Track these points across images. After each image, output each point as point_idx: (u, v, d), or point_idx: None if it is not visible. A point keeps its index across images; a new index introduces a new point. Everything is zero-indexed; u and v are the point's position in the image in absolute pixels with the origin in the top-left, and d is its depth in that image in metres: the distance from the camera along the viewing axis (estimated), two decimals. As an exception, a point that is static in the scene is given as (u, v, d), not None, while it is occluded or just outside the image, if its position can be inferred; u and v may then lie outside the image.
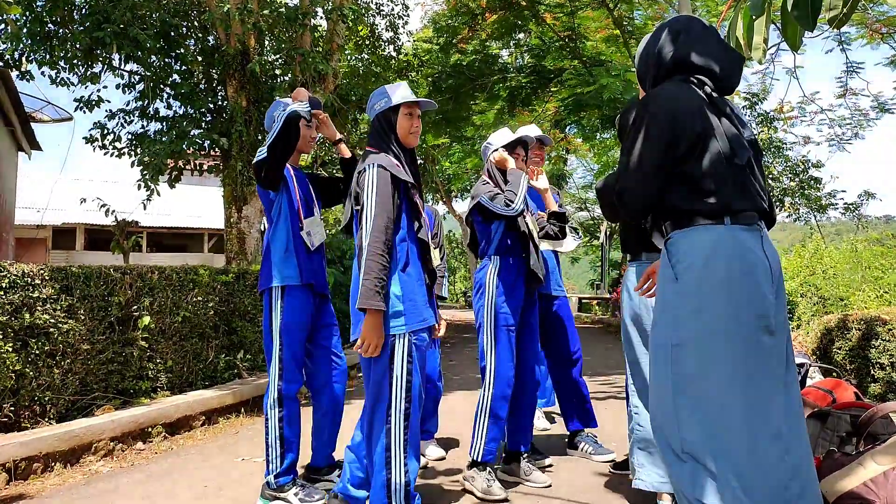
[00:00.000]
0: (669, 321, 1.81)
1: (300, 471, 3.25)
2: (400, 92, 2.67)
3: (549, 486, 3.19)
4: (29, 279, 3.83)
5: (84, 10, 7.06)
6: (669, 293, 1.83)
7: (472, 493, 3.07)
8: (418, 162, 2.62)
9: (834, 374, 3.55)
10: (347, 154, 3.25)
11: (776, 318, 1.76)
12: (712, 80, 1.91)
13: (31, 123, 10.57)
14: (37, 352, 3.80)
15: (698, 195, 1.80)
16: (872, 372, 4.26)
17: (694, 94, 1.87)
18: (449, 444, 4.08)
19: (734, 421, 1.68)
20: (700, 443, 1.70)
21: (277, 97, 7.91)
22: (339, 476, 3.12)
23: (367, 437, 2.53)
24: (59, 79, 7.44)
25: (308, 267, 3.07)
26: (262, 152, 2.95)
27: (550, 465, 3.55)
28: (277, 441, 2.99)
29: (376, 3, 10.97)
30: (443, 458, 3.73)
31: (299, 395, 3.13)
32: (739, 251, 1.76)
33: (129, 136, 8.15)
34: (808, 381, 3.34)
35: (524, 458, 3.33)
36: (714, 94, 1.89)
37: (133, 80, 8.11)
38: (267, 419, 3.01)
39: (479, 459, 3.12)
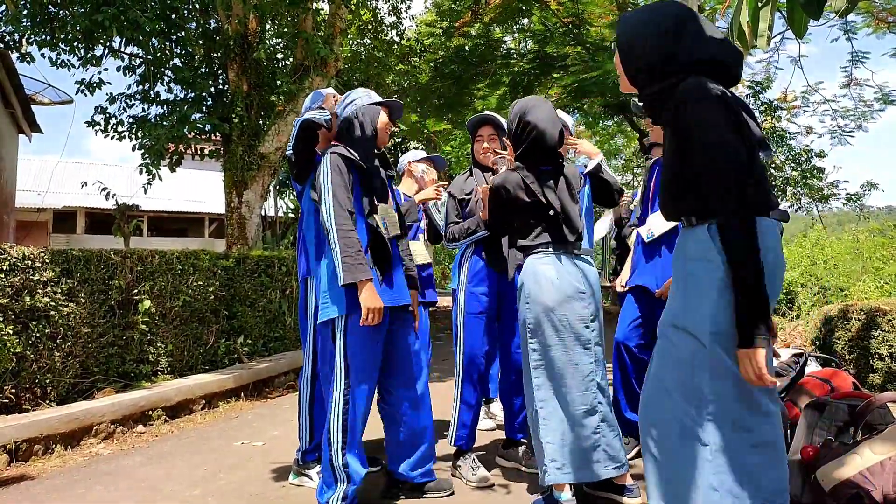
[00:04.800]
0: (708, 310, 1.74)
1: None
2: (375, 95, 2.87)
3: None
4: (29, 262, 3.83)
5: (84, -8, 7.00)
6: (712, 279, 1.75)
7: (459, 478, 3.15)
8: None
9: (832, 363, 3.55)
10: None
11: None
12: (718, 75, 1.85)
13: (32, 106, 10.54)
14: (37, 334, 3.81)
15: (755, 184, 1.76)
16: (872, 362, 4.26)
17: (720, 88, 1.81)
18: (442, 427, 4.08)
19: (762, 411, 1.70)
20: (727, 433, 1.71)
21: (279, 81, 7.90)
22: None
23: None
24: (59, 61, 7.40)
25: None
26: (289, 148, 3.09)
27: None
28: (307, 420, 3.10)
29: (379, -13, 10.89)
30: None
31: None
32: (777, 245, 1.79)
33: (130, 120, 8.12)
34: (807, 371, 3.35)
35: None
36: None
37: (133, 63, 8.06)
38: (300, 398, 3.13)
39: (452, 444, 3.21)
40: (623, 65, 1.97)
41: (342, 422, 2.59)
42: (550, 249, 2.71)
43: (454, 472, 3.20)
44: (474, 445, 3.26)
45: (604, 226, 3.69)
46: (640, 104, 2.10)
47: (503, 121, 3.35)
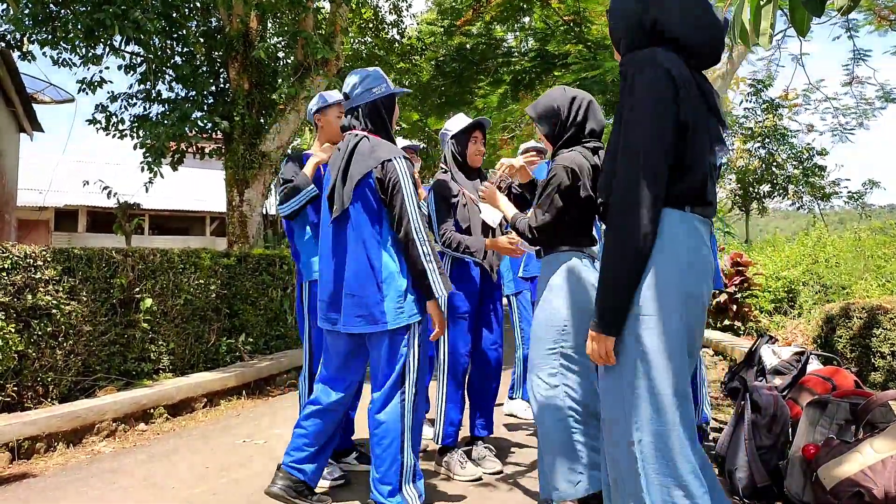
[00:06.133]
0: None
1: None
2: (390, 81, 2.72)
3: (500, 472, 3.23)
4: (31, 260, 3.84)
5: (86, -9, 6.99)
6: None
7: (447, 475, 3.18)
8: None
9: (834, 362, 3.55)
10: None
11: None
12: (691, 55, 1.78)
13: (33, 104, 10.55)
14: (39, 333, 3.82)
15: (682, 178, 1.72)
16: (873, 361, 4.26)
17: (686, 69, 1.74)
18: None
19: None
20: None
21: (280, 81, 7.90)
22: (356, 458, 3.32)
23: (375, 422, 2.54)
24: (60, 60, 7.40)
25: None
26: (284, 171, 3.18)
27: None
28: None
29: (380, -14, 10.88)
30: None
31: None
32: (695, 240, 1.74)
33: (132, 119, 8.13)
34: (808, 369, 3.35)
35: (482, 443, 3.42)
36: (696, 73, 1.79)
37: (135, 61, 8.06)
38: (300, 396, 3.15)
39: (440, 444, 3.23)
40: (609, 31, 1.93)
41: (412, 423, 2.53)
42: (585, 250, 2.55)
43: (440, 469, 3.23)
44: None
45: None
46: None
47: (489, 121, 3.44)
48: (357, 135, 2.62)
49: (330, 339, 2.67)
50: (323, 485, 3.02)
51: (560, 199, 2.43)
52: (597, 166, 2.46)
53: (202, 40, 8.19)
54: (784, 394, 3.12)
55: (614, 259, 1.70)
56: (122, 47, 7.78)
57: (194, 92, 7.97)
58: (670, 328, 1.69)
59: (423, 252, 2.46)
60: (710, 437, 3.49)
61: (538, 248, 2.66)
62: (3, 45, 7.40)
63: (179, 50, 8.16)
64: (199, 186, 22.44)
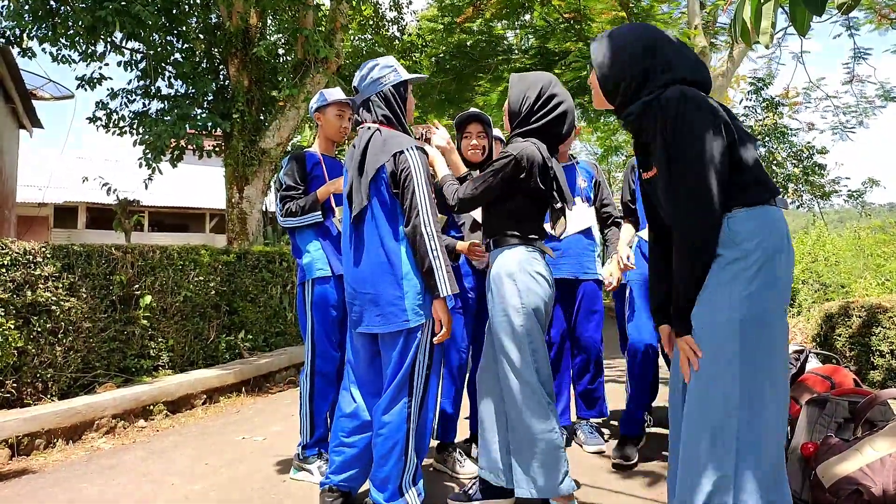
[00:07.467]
0: (734, 297, 1.81)
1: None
2: (402, 69, 2.63)
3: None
4: (31, 257, 3.84)
5: (86, -12, 6.98)
6: (734, 269, 1.83)
7: (445, 472, 3.17)
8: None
9: (833, 360, 3.55)
10: None
11: None
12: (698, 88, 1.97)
13: (33, 101, 10.53)
14: (39, 329, 3.82)
15: (755, 179, 1.87)
16: (872, 359, 4.26)
17: (701, 94, 1.93)
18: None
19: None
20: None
21: (280, 78, 7.90)
22: None
23: (380, 422, 2.46)
24: (60, 56, 7.39)
25: (337, 257, 3.13)
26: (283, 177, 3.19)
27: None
28: (308, 415, 3.10)
29: (380, -17, 10.86)
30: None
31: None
32: (787, 231, 1.89)
33: (131, 115, 8.12)
34: (807, 367, 3.35)
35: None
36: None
37: (135, 58, 8.05)
38: (301, 393, 3.14)
39: (437, 439, 3.21)
40: (601, 81, 2.03)
41: (417, 425, 2.46)
42: (536, 244, 2.54)
43: (439, 466, 3.22)
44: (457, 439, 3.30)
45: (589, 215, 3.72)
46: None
47: (490, 118, 3.35)
48: (370, 128, 2.54)
49: (358, 342, 2.59)
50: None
51: (495, 182, 2.45)
52: (546, 161, 2.48)
53: (202, 37, 8.19)
54: (783, 392, 3.11)
55: (681, 259, 1.88)
56: (123, 44, 7.77)
57: (194, 89, 7.96)
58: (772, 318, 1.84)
59: (432, 247, 2.35)
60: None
61: (487, 241, 2.64)
62: (3, 41, 7.39)
63: (179, 46, 8.16)
64: (198, 183, 22.44)
